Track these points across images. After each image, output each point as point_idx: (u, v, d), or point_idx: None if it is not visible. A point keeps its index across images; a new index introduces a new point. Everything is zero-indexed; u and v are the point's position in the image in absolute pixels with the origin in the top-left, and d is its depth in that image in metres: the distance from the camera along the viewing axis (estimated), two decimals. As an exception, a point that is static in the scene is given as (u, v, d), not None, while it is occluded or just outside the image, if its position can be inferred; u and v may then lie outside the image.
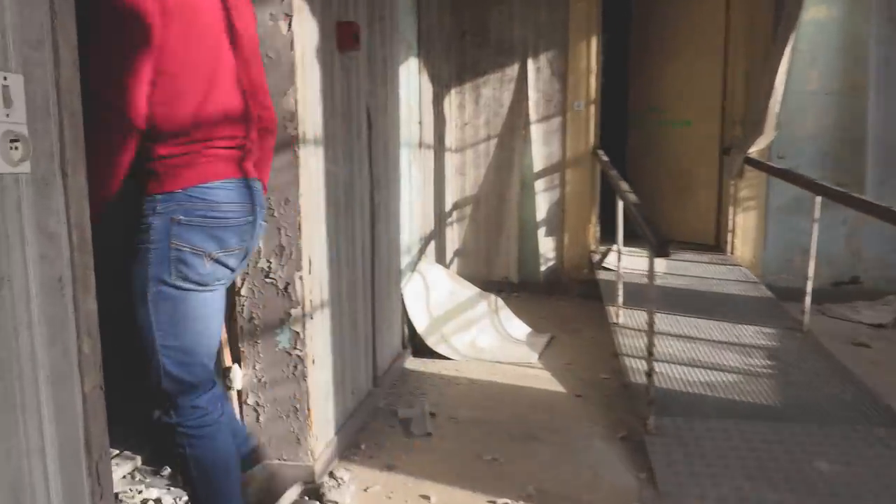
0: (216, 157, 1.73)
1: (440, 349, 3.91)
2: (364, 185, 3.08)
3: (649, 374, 2.74)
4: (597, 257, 5.30)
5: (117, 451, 2.76)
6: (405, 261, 3.94)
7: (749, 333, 3.77)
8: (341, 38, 2.64)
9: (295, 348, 2.41)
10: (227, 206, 1.74)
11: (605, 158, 4.83)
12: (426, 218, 4.57)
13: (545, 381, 3.54)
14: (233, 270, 1.83)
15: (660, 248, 2.46)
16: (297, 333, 2.40)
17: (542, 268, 5.53)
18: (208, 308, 1.78)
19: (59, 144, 1.20)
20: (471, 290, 4.47)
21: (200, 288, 1.74)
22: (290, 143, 2.29)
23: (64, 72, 1.20)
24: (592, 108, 5.38)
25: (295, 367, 2.42)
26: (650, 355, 2.75)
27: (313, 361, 2.45)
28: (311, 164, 2.42)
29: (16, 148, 1.10)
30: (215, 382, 1.89)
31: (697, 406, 2.94)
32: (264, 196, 1.98)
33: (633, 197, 3.22)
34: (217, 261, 1.74)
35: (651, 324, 2.74)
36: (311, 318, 2.43)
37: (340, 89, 2.73)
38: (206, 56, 1.71)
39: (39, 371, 1.17)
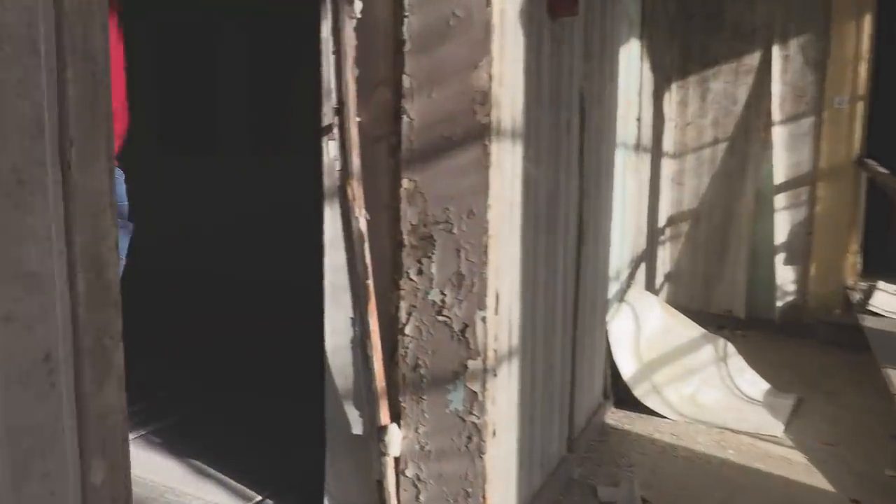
0: None
1: (650, 402, 3.10)
2: (571, 194, 2.39)
3: None
4: (857, 296, 4.14)
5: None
6: (612, 289, 3.19)
7: None
8: (555, -2, 1.98)
9: (471, 413, 1.78)
10: None
11: (883, 170, 3.70)
12: (638, 236, 3.77)
13: (801, 469, 2.60)
14: None
15: None
16: (475, 394, 1.77)
17: (779, 303, 4.46)
18: None
19: (58, 114, 0.65)
20: (692, 328, 3.60)
21: None
22: (480, 134, 1.66)
23: (72, -24, 0.65)
24: (860, 106, 4.22)
25: (469, 437, 1.79)
26: None
27: (494, 433, 1.81)
28: (506, 165, 1.78)
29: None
30: None
31: None
32: None
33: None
34: None
35: None
36: (495, 374, 1.79)
37: (548, 67, 2.06)
38: None
39: (-10, 531, 0.63)
